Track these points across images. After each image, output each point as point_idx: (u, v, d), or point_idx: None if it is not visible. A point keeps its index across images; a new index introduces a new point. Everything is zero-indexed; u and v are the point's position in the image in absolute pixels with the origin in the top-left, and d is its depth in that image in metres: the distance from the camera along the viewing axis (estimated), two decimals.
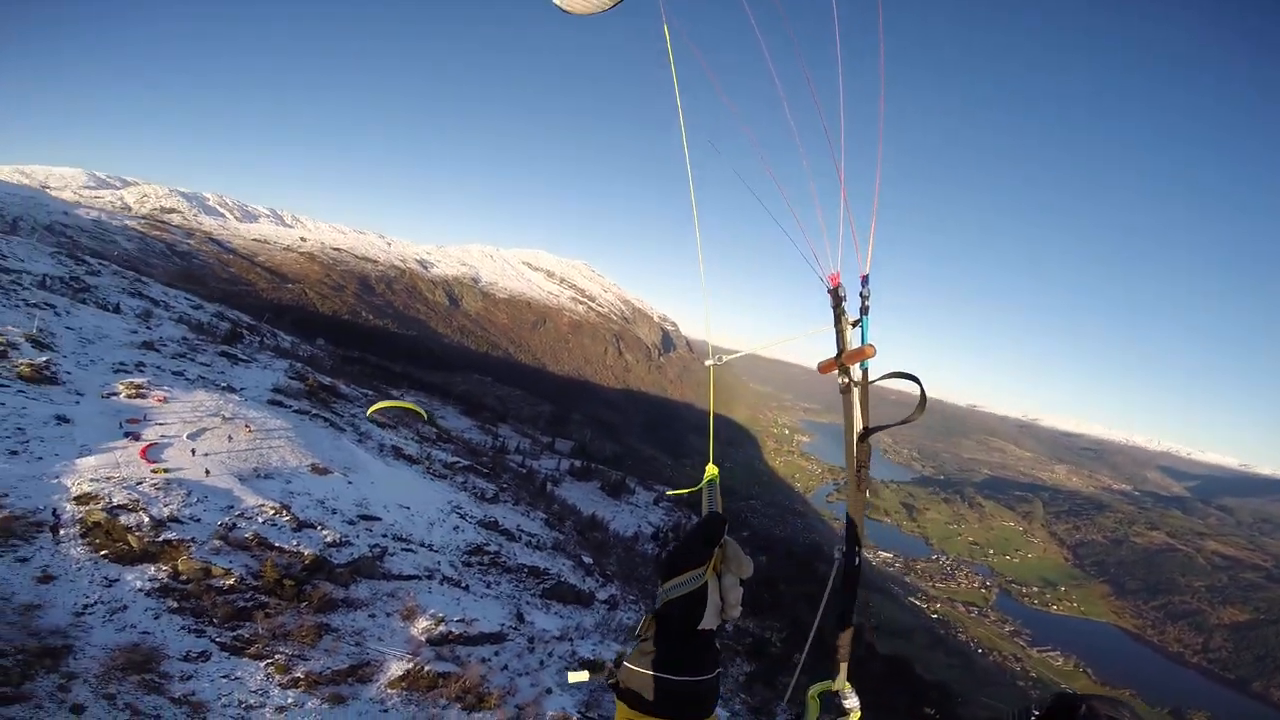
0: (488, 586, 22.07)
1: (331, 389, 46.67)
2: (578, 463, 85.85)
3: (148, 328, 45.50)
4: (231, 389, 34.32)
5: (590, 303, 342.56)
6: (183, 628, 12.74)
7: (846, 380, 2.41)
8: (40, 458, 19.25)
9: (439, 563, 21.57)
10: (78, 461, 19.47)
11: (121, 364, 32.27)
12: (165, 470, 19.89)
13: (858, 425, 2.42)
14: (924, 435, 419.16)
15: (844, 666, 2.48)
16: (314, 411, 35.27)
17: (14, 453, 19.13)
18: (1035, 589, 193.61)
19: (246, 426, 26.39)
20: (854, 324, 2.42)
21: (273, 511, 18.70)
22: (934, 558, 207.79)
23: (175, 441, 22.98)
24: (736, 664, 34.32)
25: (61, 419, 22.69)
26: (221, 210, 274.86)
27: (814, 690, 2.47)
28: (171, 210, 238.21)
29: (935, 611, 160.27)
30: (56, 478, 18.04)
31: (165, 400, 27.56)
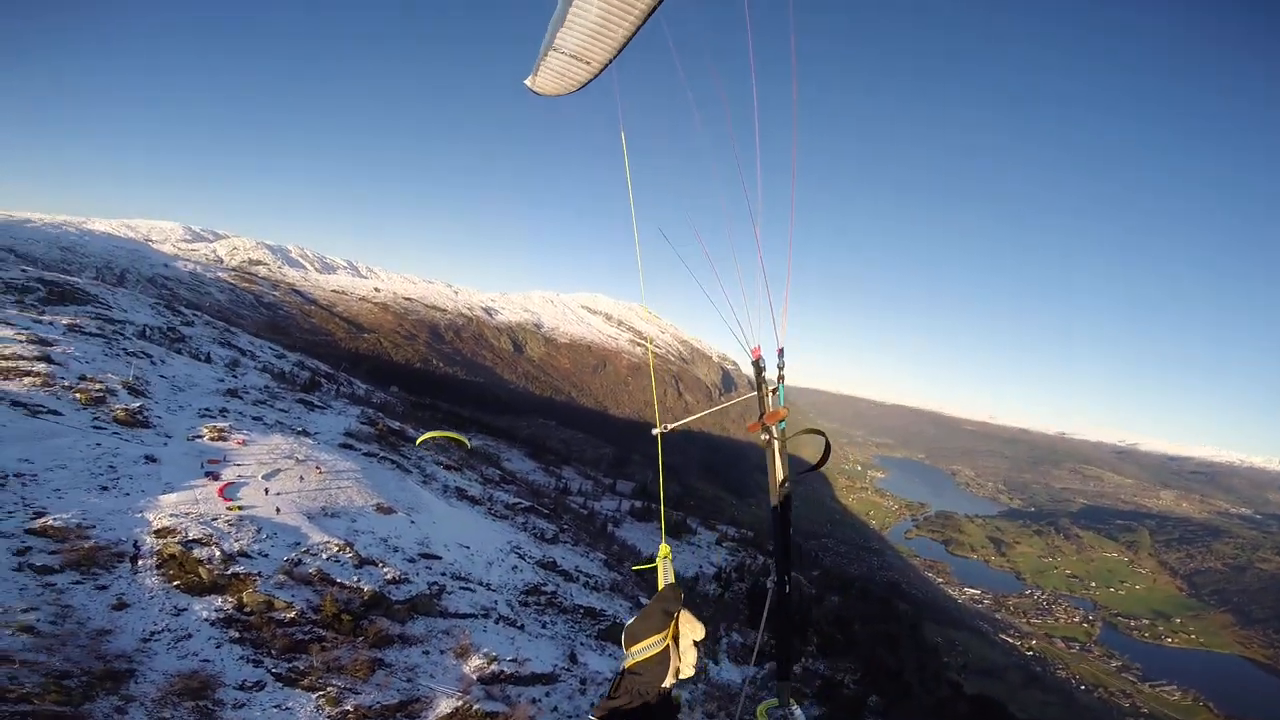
0: (543, 626, 21.77)
1: (400, 433, 48.19)
2: (638, 504, 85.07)
3: (234, 376, 48.53)
4: (306, 433, 35.84)
5: (648, 344, 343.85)
6: (241, 657, 13.06)
7: (768, 437, 2.91)
8: (128, 494, 20.52)
9: (496, 602, 21.48)
10: (161, 498, 20.63)
11: (207, 409, 34.35)
12: (239, 508, 20.79)
13: (779, 474, 2.91)
14: (1010, 467, 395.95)
15: (786, 685, 2.86)
16: (382, 454, 36.41)
17: (105, 488, 20.48)
18: (1146, 621, 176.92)
19: (317, 468, 27.38)
20: (773, 391, 2.98)
21: (337, 548, 19.18)
22: (1027, 593, 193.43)
23: (251, 481, 24.03)
24: (806, 707, 32.44)
25: (150, 459, 24.20)
26: (303, 262, 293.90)
27: (761, 708, 2.78)
28: (258, 262, 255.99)
29: (1030, 648, 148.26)
30: (140, 512, 19.14)
31: (244, 443, 29.06)
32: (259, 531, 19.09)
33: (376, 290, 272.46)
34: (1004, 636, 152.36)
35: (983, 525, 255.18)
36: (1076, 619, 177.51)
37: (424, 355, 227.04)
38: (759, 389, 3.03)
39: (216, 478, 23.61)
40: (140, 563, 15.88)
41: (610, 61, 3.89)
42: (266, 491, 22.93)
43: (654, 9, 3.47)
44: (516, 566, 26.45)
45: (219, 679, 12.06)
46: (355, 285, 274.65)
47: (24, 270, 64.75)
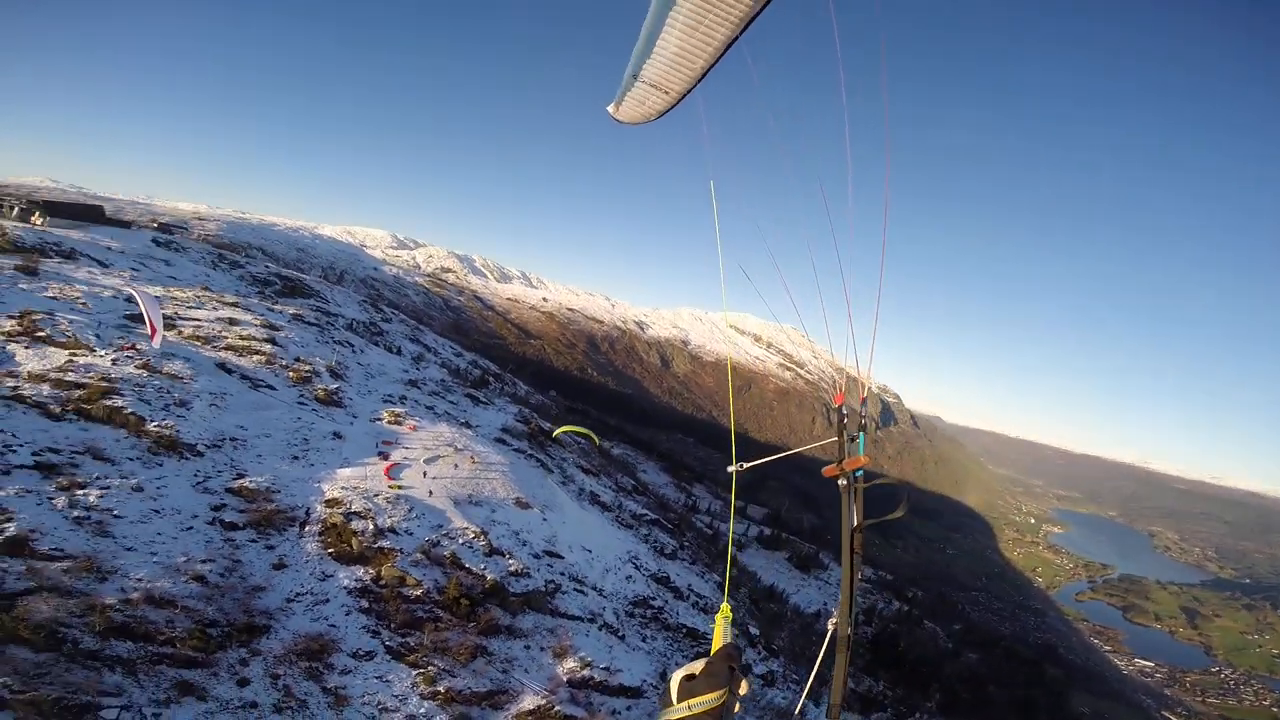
0: (643, 640, 21.24)
1: (550, 434, 50.49)
2: (768, 531, 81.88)
3: (417, 368, 53.87)
4: (468, 425, 38.47)
5: (799, 369, 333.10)
6: (363, 627, 13.85)
7: (846, 483, 2.97)
8: (312, 465, 23.14)
9: (604, 608, 21.25)
10: (338, 471, 22.98)
11: (390, 396, 38.19)
12: (399, 487, 22.55)
13: (854, 520, 2.93)
14: (1228, 533, 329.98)
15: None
16: (530, 452, 38.10)
17: (296, 458, 23.28)
18: None
19: (472, 458, 29.07)
20: (852, 439, 3.07)
21: (473, 535, 20.06)
22: (1214, 670, 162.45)
23: (413, 464, 26.01)
24: None
25: (337, 435, 27.21)
26: (485, 271, 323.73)
27: None
28: (448, 270, 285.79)
29: None
30: (319, 482, 21.45)
31: (415, 429, 31.73)
32: (410, 510, 20.50)
33: (544, 300, 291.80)
34: (1167, 714, 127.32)
35: (1177, 594, 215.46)
36: (1268, 702, 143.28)
37: (581, 363, 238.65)
38: (840, 435, 3.12)
39: (386, 457, 25.86)
40: (307, 529, 17.66)
41: (689, 91, 4.01)
42: (424, 475, 24.65)
43: (731, 42, 3.50)
44: (631, 576, 26.15)
45: (338, 644, 12.84)
46: (527, 294, 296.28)
47: (268, 266, 77.21)
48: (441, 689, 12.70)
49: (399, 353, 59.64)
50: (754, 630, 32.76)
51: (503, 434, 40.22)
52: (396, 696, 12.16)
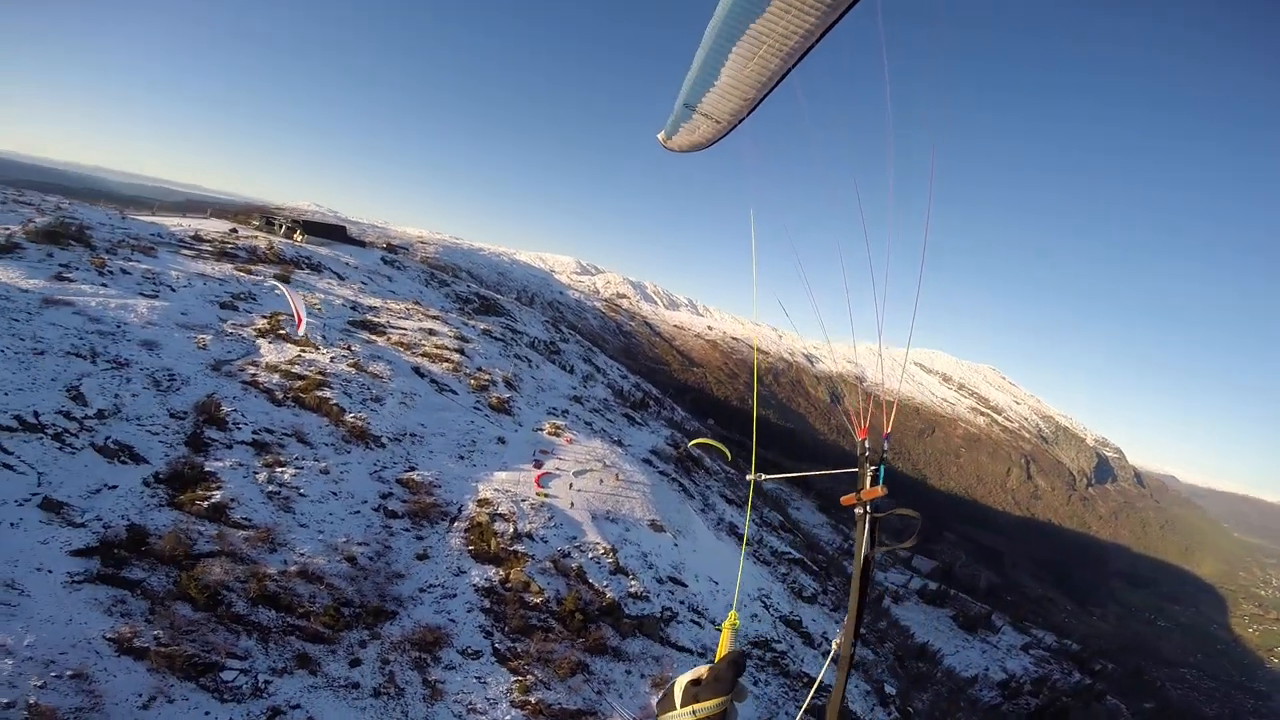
0: (754, 683, 19.12)
1: (698, 460, 49.49)
2: (933, 585, 72.38)
3: (584, 387, 56.20)
4: (620, 443, 38.84)
5: (995, 415, 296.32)
6: (479, 626, 13.87)
7: (862, 512, 3.19)
8: (474, 465, 24.52)
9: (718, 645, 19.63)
10: (495, 474, 24.08)
11: (554, 409, 39.92)
12: (545, 495, 23.01)
13: (864, 549, 3.15)
14: None
15: None
16: (674, 476, 37.43)
17: (461, 457, 24.86)
18: None
19: (617, 475, 29.04)
20: (874, 470, 3.26)
21: (603, 551, 19.68)
22: None
23: (563, 474, 26.53)
24: None
25: (500, 440, 28.76)
26: (655, 298, 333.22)
27: None
28: (623, 296, 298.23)
29: None
30: (476, 482, 22.59)
31: (571, 442, 32.63)
32: (550, 519, 20.70)
33: (709, 328, 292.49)
34: None
35: None
36: None
37: (741, 394, 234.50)
38: (861, 467, 3.30)
39: (539, 465, 26.68)
40: (455, 524, 18.49)
41: (740, 121, 3.98)
42: (570, 486, 24.94)
43: (784, 74, 3.50)
44: (757, 615, 24.01)
45: (451, 639, 12.91)
46: (693, 322, 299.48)
47: (470, 287, 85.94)
48: (533, 700, 12.25)
49: (571, 371, 62.74)
50: (890, 689, 28.62)
51: (651, 455, 40.01)
52: (488, 700, 11.92)
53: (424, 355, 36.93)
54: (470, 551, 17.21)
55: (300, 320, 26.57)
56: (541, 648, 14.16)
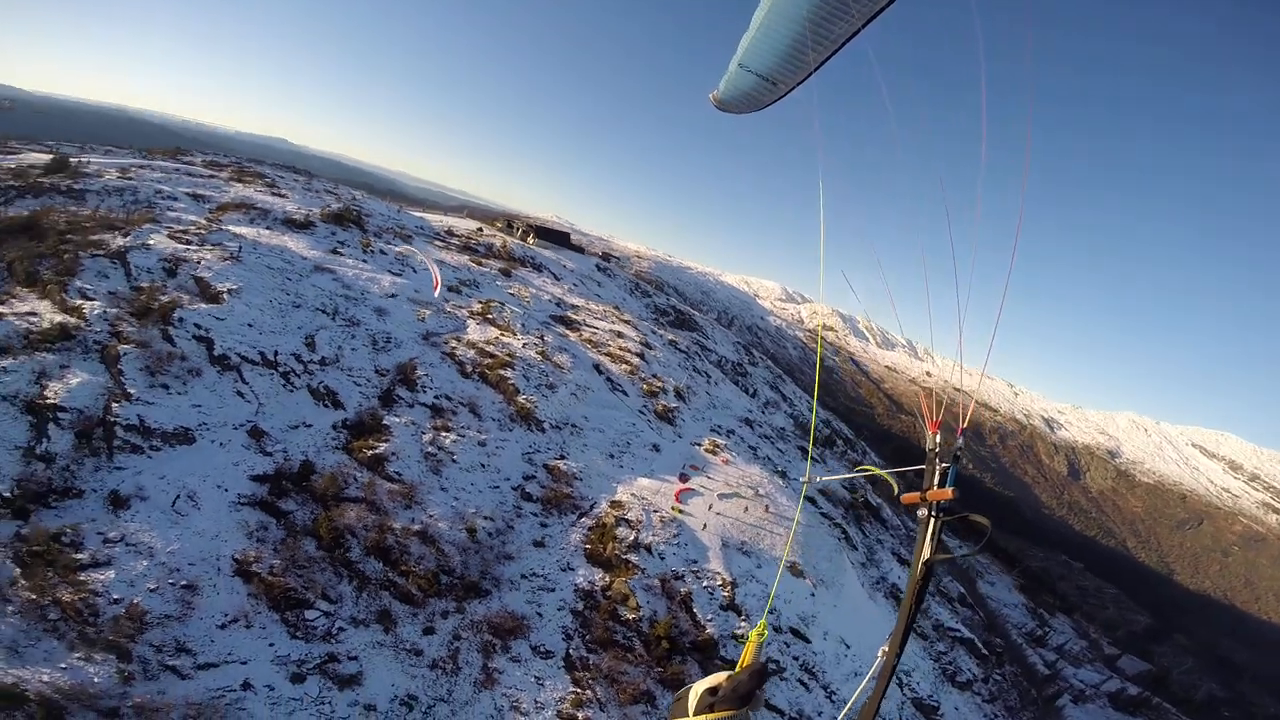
0: None
1: (876, 510, 44.16)
2: (1136, 691, 55.59)
3: (762, 413, 53.75)
4: (784, 475, 36.05)
5: None
6: (562, 627, 13.07)
7: (926, 513, 3.01)
8: (621, 466, 24.20)
9: (820, 713, 16.22)
10: (638, 479, 23.49)
11: (718, 427, 38.46)
12: (680, 511, 21.79)
13: (925, 553, 2.95)
14: None
15: None
16: (838, 520, 33.59)
17: (611, 456, 24.72)
18: None
19: (766, 507, 26.75)
20: (943, 470, 3.07)
21: (720, 583, 17.77)
22: None
23: (705, 494, 25.07)
24: None
25: (654, 447, 28.20)
26: (867, 334, 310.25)
27: None
28: (830, 329, 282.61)
29: None
30: (616, 482, 22.19)
31: (728, 463, 30.95)
32: (676, 536, 19.42)
33: (928, 375, 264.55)
34: None
35: None
36: None
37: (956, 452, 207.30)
38: (929, 463, 3.11)
39: (684, 480, 25.53)
40: (582, 520, 18.14)
41: (798, 84, 4.06)
42: (710, 507, 23.40)
43: (850, 37, 3.48)
44: (886, 694, 19.74)
45: (528, 632, 12.31)
46: (908, 366, 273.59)
47: (670, 301, 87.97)
48: (580, 716, 11.05)
49: (752, 394, 60.52)
50: None
51: (820, 494, 36.44)
52: (537, 703, 11.06)
53: (607, 354, 38.02)
54: (585, 550, 16.69)
55: (437, 284, 28.41)
56: (614, 666, 13.02)
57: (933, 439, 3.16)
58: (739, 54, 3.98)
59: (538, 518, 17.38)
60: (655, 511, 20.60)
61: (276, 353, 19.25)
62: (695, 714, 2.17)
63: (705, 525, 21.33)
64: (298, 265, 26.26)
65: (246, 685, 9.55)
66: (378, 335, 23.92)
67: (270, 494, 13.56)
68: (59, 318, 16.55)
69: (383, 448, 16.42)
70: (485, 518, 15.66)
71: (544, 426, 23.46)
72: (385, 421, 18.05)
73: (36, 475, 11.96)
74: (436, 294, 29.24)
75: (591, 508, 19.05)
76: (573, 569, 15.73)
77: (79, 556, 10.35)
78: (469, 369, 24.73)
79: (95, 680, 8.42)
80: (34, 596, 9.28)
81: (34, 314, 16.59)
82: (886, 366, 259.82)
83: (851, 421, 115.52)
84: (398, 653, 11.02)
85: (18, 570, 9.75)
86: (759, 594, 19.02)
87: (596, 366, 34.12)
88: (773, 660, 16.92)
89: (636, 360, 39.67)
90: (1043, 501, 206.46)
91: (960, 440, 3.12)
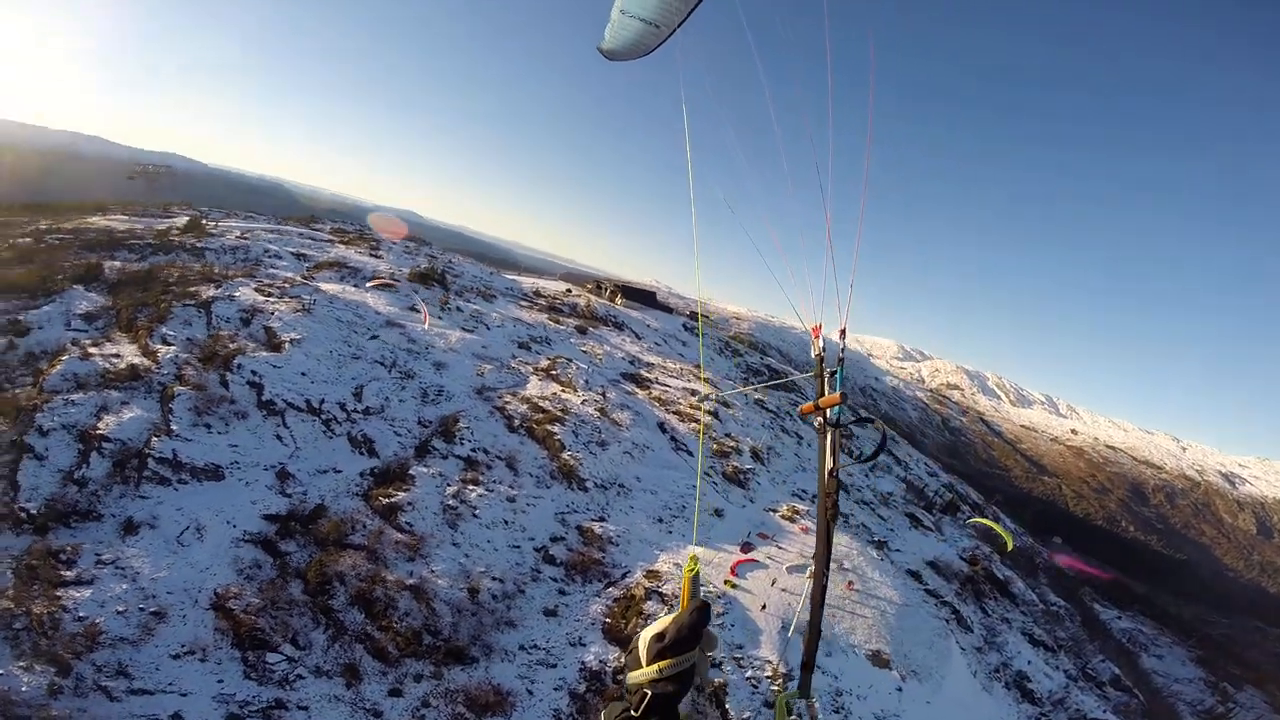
0: None
1: (1003, 584, 38.18)
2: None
3: (864, 476, 49.43)
4: (880, 546, 32.29)
5: None
6: (553, 710, 11.73)
7: (821, 421, 3.05)
8: (670, 532, 22.36)
9: None
10: (688, 547, 21.53)
11: (802, 492, 35.37)
12: (733, 585, 19.54)
13: (829, 463, 3.03)
14: None
15: (808, 676, 3.22)
16: (949, 598, 29.08)
17: (661, 520, 22.98)
18: None
19: (850, 583, 23.73)
20: (831, 374, 3.08)
21: (770, 674, 15.23)
22: None
23: (772, 567, 22.60)
24: None
25: (718, 512, 26.07)
26: (998, 392, 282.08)
27: (781, 697, 3.17)
28: (954, 387, 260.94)
29: None
30: (661, 550, 20.32)
31: (807, 531, 28.09)
32: (721, 615, 17.22)
33: (1074, 433, 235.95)
34: None
35: None
36: None
37: (1111, 513, 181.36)
38: (819, 370, 3.12)
39: (747, 550, 23.19)
40: (610, 589, 16.55)
41: (679, 26, 4.09)
42: (774, 583, 20.92)
43: None
44: None
45: (511, 710, 10.92)
46: (1049, 423, 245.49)
47: (764, 359, 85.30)
48: None
49: (858, 457, 56.00)
50: None
51: (926, 567, 32.01)
52: None
53: (675, 413, 36.67)
54: (605, 624, 15.09)
55: (425, 318, 28.43)
56: None
57: (817, 345, 3.15)
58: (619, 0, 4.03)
59: (557, 583, 16.10)
60: (701, 585, 18.55)
61: (323, 401, 19.96)
62: (648, 664, 2.06)
63: (764, 606, 18.91)
64: (368, 319, 27.76)
65: (175, 717, 9.06)
66: (430, 388, 24.38)
67: (276, 534, 13.53)
68: (136, 360, 18.16)
69: (400, 497, 16.13)
70: (493, 578, 14.67)
71: (586, 485, 22.41)
72: (412, 471, 17.89)
73: (67, 497, 12.67)
74: (424, 326, 29.57)
75: (623, 576, 17.47)
76: (584, 644, 14.18)
77: (66, 574, 10.63)
78: (516, 423, 24.46)
79: (23, 689, 8.36)
80: (10, 606, 9.48)
81: (118, 355, 18.34)
82: (1023, 425, 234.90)
83: (983, 485, 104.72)
84: (354, 711, 10.16)
85: (12, 581, 10.07)
86: (824, 689, 16.26)
87: (661, 425, 32.87)
88: None
89: (708, 419, 37.99)
90: (1225, 564, 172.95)
91: (844, 343, 3.10)
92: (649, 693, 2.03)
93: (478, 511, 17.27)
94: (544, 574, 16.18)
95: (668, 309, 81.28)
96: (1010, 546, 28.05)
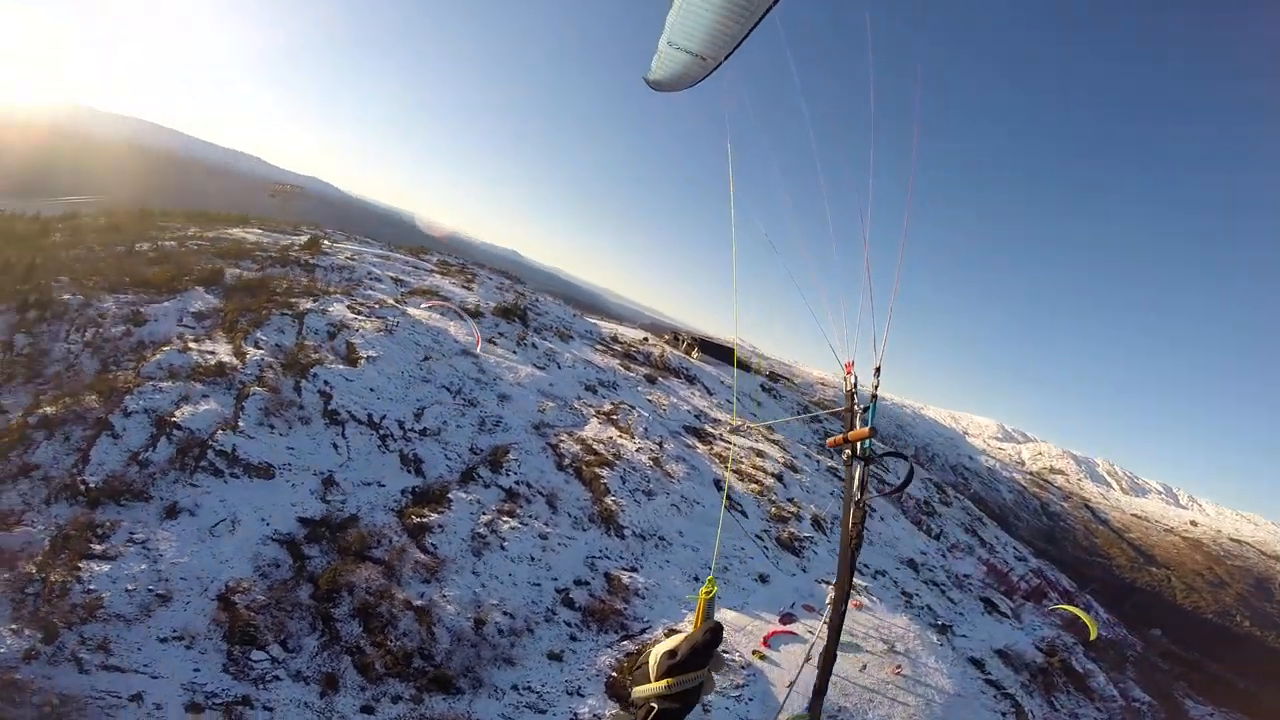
0: None
1: (1081, 677, 32.89)
2: None
3: (941, 556, 45.00)
4: (945, 630, 28.88)
5: None
6: None
7: (850, 454, 3.20)
8: (706, 594, 20.97)
9: None
10: (721, 611, 20.07)
11: (865, 565, 32.49)
12: (762, 656, 17.82)
13: (856, 493, 3.13)
14: None
15: (819, 701, 3.33)
16: (1012, 691, 25.18)
17: (696, 578, 21.60)
18: None
19: (898, 668, 21.16)
20: (863, 409, 3.17)
21: None
22: None
23: (810, 640, 20.60)
24: None
25: (762, 578, 24.24)
26: (1108, 479, 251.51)
27: (787, 718, 6.11)
28: (1058, 471, 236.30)
29: None
30: (689, 610, 19.03)
31: (860, 607, 25.54)
32: (741, 688, 15.56)
33: (1192, 524, 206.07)
34: None
35: None
36: None
37: (1225, 607, 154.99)
38: (849, 404, 3.28)
39: (787, 620, 21.28)
40: (624, 643, 15.44)
41: (725, 59, 4.15)
42: (807, 659, 18.94)
43: (770, 9, 3.66)
44: None
45: None
46: (1164, 514, 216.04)
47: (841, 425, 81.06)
48: None
49: (935, 536, 51.44)
50: None
51: (993, 655, 28.05)
52: None
53: (735, 472, 35.16)
54: (610, 678, 13.96)
55: (479, 341, 28.14)
56: None
57: (849, 380, 3.36)
58: (666, 32, 4.00)
59: (571, 628, 15.23)
60: (729, 653, 17.07)
61: (384, 417, 20.58)
62: (656, 679, 2.06)
63: (791, 683, 17.06)
64: (446, 346, 28.79)
65: (136, 697, 9.01)
66: (489, 418, 24.65)
67: (305, 537, 13.71)
68: (226, 358, 19.57)
69: (432, 518, 16.04)
70: (504, 612, 14.05)
71: (624, 533, 21.52)
72: (450, 495, 17.85)
73: (127, 475, 13.46)
74: (479, 350, 29.67)
75: (641, 631, 16.32)
76: (582, 695, 13.12)
77: (96, 547, 11.12)
78: (566, 462, 24.15)
79: (0, 650, 8.50)
80: (33, 570, 9.93)
81: (212, 352, 19.85)
82: (1134, 515, 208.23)
83: (1081, 573, 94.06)
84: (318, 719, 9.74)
85: (46, 548, 10.62)
86: None
87: (716, 482, 31.48)
88: None
89: (770, 481, 36.02)
90: None
91: (877, 378, 3.21)
92: (654, 707, 2.05)
93: (506, 543, 16.86)
94: (559, 616, 15.39)
95: (746, 367, 79.58)
96: (1094, 635, 24.46)
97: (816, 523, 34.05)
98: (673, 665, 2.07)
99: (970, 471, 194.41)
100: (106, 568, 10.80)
